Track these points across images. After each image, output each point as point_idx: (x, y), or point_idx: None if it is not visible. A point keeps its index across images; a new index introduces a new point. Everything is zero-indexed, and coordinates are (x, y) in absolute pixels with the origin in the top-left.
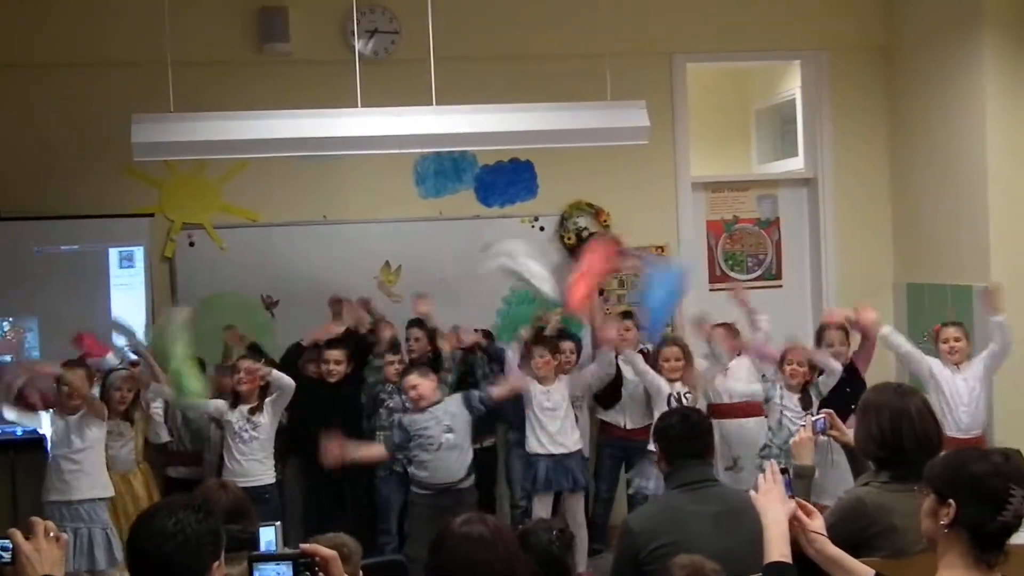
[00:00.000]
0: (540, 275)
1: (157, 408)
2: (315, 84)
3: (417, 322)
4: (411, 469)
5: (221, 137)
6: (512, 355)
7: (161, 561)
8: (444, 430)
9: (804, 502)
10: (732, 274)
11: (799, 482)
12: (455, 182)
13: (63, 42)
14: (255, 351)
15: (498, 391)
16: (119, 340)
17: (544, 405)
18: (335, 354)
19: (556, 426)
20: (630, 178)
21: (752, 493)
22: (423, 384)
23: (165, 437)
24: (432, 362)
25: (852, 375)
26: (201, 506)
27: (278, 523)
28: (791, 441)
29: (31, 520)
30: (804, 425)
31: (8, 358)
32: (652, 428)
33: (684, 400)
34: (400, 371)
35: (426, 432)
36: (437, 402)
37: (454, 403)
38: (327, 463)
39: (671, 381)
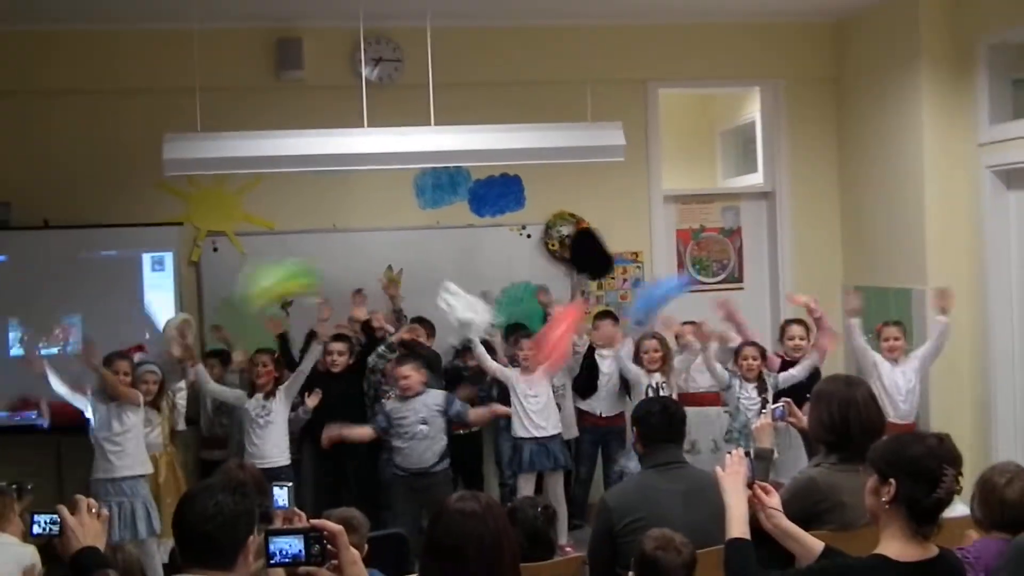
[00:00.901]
0: (468, 315)
1: (181, 400)
2: (326, 107)
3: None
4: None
5: (242, 154)
6: (499, 351)
7: (204, 538)
8: (419, 421)
9: (763, 482)
10: (699, 277)
11: (760, 463)
12: (451, 194)
13: (105, 72)
14: (283, 340)
15: (474, 416)
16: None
17: (527, 393)
18: (338, 346)
19: (538, 412)
20: (608, 191)
21: (718, 470)
22: (413, 376)
23: (181, 425)
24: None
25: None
26: (237, 488)
27: (290, 484)
28: (753, 426)
29: (76, 498)
30: (764, 412)
31: (55, 350)
32: (632, 413)
33: (661, 389)
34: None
35: (404, 421)
36: (420, 393)
37: (434, 398)
38: (324, 442)
39: (650, 371)
